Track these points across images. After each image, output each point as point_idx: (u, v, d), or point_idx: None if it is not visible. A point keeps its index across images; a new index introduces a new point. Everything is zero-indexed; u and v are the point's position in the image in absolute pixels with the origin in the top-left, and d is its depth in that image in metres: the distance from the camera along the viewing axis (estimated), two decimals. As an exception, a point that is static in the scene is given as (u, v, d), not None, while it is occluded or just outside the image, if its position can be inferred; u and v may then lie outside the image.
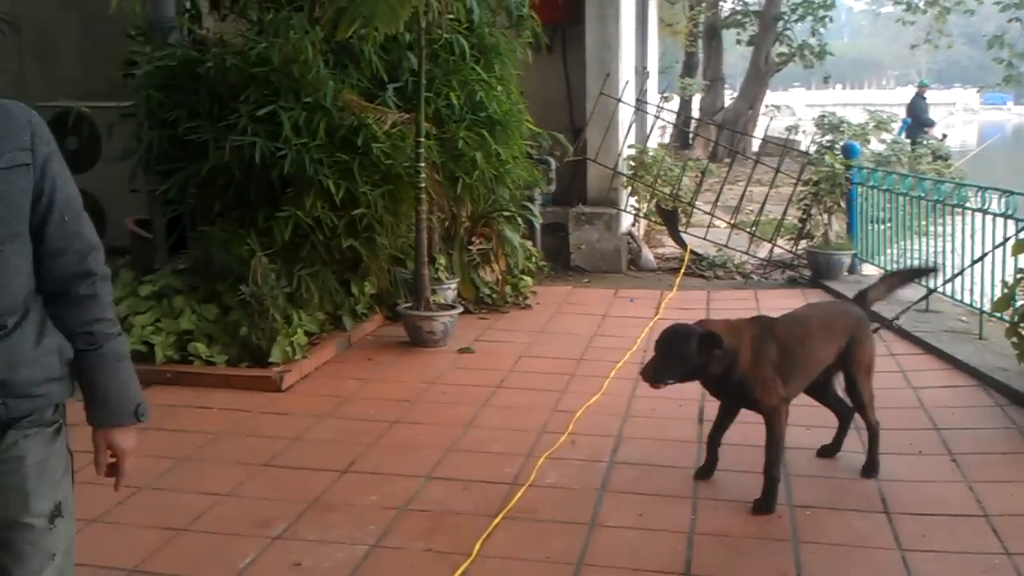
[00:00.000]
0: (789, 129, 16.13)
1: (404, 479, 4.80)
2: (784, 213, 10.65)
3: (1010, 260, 6.55)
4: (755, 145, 18.12)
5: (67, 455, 2.34)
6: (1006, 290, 6.26)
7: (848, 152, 9.86)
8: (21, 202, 2.15)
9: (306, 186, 6.66)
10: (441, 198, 7.62)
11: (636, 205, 10.90)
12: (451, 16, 7.41)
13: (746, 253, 10.45)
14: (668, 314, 7.97)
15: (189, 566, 3.96)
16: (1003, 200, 7.07)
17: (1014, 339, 6.05)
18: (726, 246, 10.47)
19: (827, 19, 25.12)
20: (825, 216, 9.85)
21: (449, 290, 7.98)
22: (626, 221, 10.75)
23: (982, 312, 7.12)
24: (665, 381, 4.37)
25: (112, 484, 2.48)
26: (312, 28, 6.80)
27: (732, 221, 10.80)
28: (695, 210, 10.98)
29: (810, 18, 24.63)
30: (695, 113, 25.59)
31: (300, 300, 6.81)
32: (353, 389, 6.30)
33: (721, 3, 26.92)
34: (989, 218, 7.25)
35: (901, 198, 8.72)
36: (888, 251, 9.13)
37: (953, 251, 7.94)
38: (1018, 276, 6.14)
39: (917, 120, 20.51)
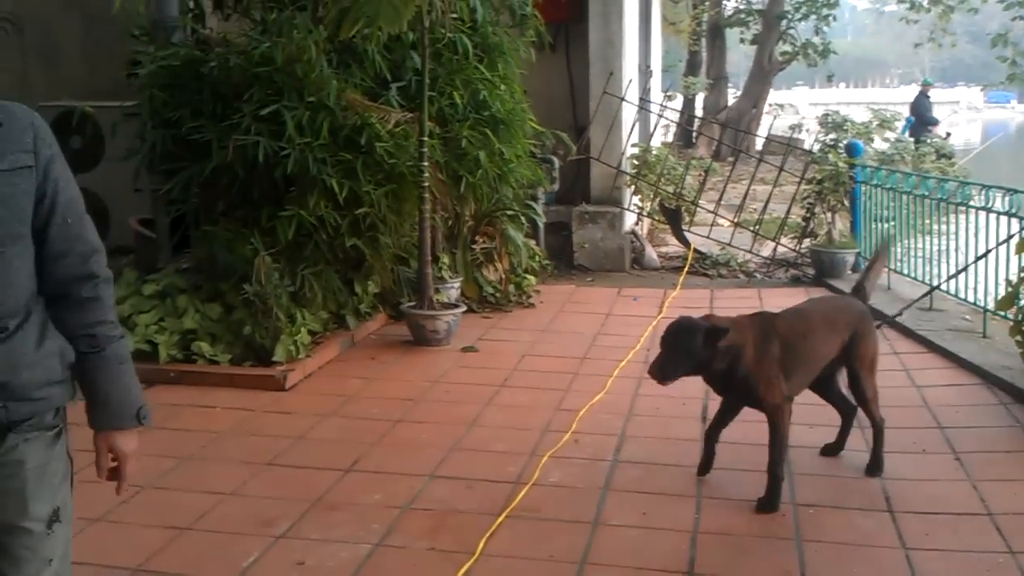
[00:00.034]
0: (793, 128, 16.03)
1: (407, 478, 4.80)
2: (788, 212, 10.64)
3: (1014, 258, 6.54)
4: (759, 144, 18.09)
5: (67, 460, 2.33)
6: (1010, 288, 6.25)
7: (852, 151, 9.85)
8: (23, 204, 2.14)
9: (309, 185, 6.66)
10: (444, 197, 7.62)
11: (639, 204, 10.90)
12: (454, 15, 7.41)
13: (750, 252, 10.44)
14: (671, 313, 7.95)
15: (192, 565, 3.96)
16: (1007, 198, 7.06)
17: (1018, 337, 6.04)
18: (729, 245, 10.46)
19: (831, 17, 25.06)
20: (829, 215, 9.85)
21: (452, 289, 7.98)
22: (629, 220, 10.75)
23: (986, 310, 7.10)
24: (673, 377, 4.36)
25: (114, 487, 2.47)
26: (315, 27, 6.80)
27: (736, 220, 10.79)
28: (698, 209, 10.98)
29: (814, 16, 24.58)
30: (699, 112, 25.55)
31: (304, 299, 6.82)
32: (356, 388, 6.31)
33: (724, 2, 26.90)
34: (993, 216, 7.24)
35: (905, 197, 8.71)
36: (892, 250, 9.11)
37: (957, 249, 7.93)
38: (1022, 274, 6.13)
39: (921, 119, 20.47)
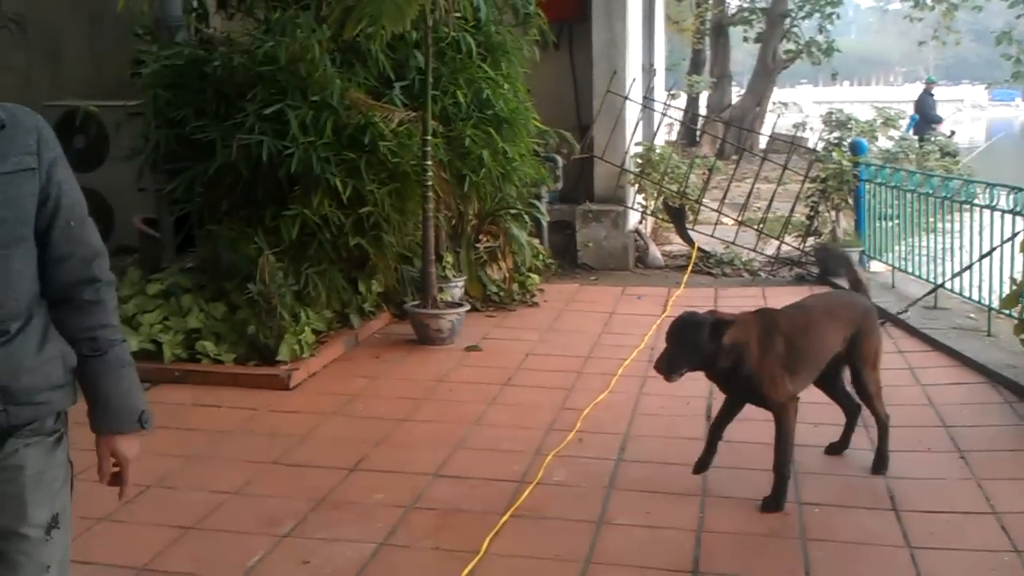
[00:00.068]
0: (796, 126, 16.04)
1: (412, 477, 4.80)
2: (792, 210, 10.62)
3: (1019, 257, 6.54)
4: (762, 142, 18.07)
5: (67, 465, 2.31)
6: (1014, 287, 6.25)
7: (856, 149, 9.83)
8: (27, 206, 2.13)
9: (313, 184, 6.66)
10: (448, 196, 7.62)
11: (643, 203, 10.88)
12: (458, 14, 7.40)
13: (754, 250, 10.42)
14: (675, 312, 7.91)
15: (197, 565, 3.96)
16: (1011, 197, 7.04)
17: (1022, 336, 6.04)
18: (733, 243, 10.45)
19: (834, 16, 25.03)
20: (833, 213, 9.84)
21: (456, 288, 7.97)
22: (633, 219, 10.73)
23: (990, 309, 7.10)
24: (679, 372, 4.35)
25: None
26: (319, 27, 6.80)
27: (739, 218, 10.77)
28: (702, 207, 10.96)
29: (817, 15, 24.55)
30: (702, 110, 25.51)
31: (308, 298, 6.82)
32: (361, 387, 6.31)
33: (728, 0, 26.87)
34: (997, 215, 7.23)
35: (909, 195, 8.69)
36: (896, 248, 9.10)
37: (961, 248, 7.92)
38: (1027, 273, 6.12)
39: (925, 117, 20.44)
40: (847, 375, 4.89)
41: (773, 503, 4.38)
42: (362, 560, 3.98)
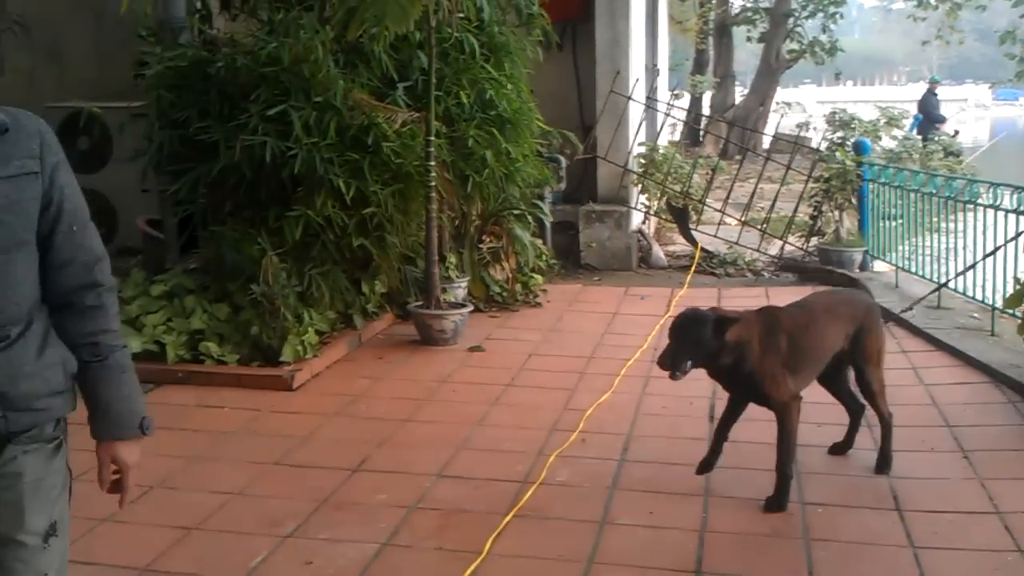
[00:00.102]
0: (800, 126, 16.04)
1: (415, 477, 4.81)
2: (795, 210, 10.63)
3: (1022, 256, 6.53)
4: (766, 142, 18.06)
5: (66, 472, 2.29)
6: (1018, 286, 6.24)
7: (859, 149, 9.83)
8: (29, 210, 2.12)
9: (317, 185, 6.67)
10: (451, 197, 7.62)
11: (646, 203, 10.88)
12: (461, 15, 7.40)
13: (757, 250, 10.43)
14: (679, 312, 7.95)
15: (200, 565, 3.97)
16: (1015, 196, 7.04)
17: (1026, 335, 6.03)
18: (737, 243, 10.45)
19: (838, 15, 25.03)
20: (836, 213, 9.84)
21: (459, 288, 7.98)
22: (636, 219, 10.73)
23: (994, 308, 7.09)
24: (682, 368, 4.34)
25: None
26: (322, 28, 6.81)
27: (743, 218, 10.77)
28: (706, 207, 10.96)
29: (821, 14, 24.55)
30: (705, 110, 25.52)
31: (311, 299, 6.82)
32: (364, 388, 6.31)
33: (731, 0, 26.86)
34: (1001, 214, 7.22)
35: (912, 195, 8.69)
36: (899, 248, 9.10)
37: (965, 247, 7.92)
38: (1030, 272, 6.12)
39: (928, 116, 20.43)
40: (852, 374, 4.89)
41: (776, 503, 4.37)
42: (365, 560, 3.98)
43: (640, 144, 10.76)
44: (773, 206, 10.98)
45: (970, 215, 7.91)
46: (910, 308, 7.38)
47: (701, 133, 21.93)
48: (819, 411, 5.16)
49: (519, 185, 8.35)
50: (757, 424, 4.74)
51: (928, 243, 8.56)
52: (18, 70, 9.28)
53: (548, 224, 9.69)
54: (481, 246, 8.39)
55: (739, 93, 27.17)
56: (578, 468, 4.92)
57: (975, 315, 7.46)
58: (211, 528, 4.30)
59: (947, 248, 8.38)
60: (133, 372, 2.37)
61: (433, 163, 7.00)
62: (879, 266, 9.49)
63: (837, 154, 9.92)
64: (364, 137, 6.79)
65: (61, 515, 2.26)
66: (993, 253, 7.18)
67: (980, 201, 7.64)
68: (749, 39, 26.99)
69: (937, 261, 8.33)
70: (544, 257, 9.21)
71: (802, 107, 27.93)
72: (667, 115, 12.22)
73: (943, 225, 8.47)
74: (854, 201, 9.76)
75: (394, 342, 7.39)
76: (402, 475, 4.85)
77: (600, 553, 4.03)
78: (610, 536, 4.19)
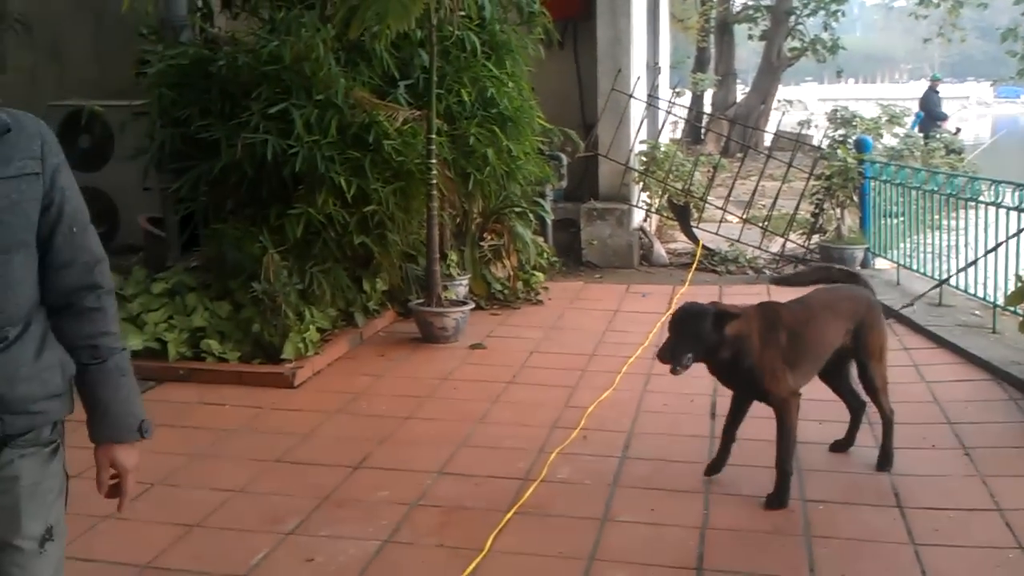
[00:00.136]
0: (801, 124, 16.02)
1: (416, 475, 4.81)
2: (796, 208, 10.62)
3: (1024, 253, 6.53)
4: (767, 140, 18.05)
5: (63, 476, 2.28)
6: (1020, 284, 6.24)
7: (861, 146, 9.83)
8: (30, 211, 2.12)
9: (318, 183, 6.67)
10: (452, 194, 7.62)
11: (648, 200, 10.88)
12: (462, 13, 7.40)
13: (758, 248, 10.42)
14: (678, 306, 7.95)
15: (201, 562, 3.97)
16: (1016, 193, 7.04)
17: (1028, 333, 6.03)
18: (738, 241, 10.44)
19: (839, 13, 25.01)
20: (838, 210, 9.84)
21: (461, 286, 7.98)
22: (638, 216, 10.73)
23: (995, 306, 7.09)
24: (682, 363, 4.34)
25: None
26: (323, 26, 6.81)
27: (744, 216, 10.76)
28: (707, 205, 10.96)
29: (822, 12, 24.53)
30: (707, 108, 25.52)
31: (312, 297, 6.83)
32: (365, 385, 6.31)
33: (732, -2, 26.87)
34: (1003, 211, 7.22)
35: (914, 192, 8.69)
36: (901, 245, 9.10)
37: (967, 245, 7.91)
38: (1032, 270, 6.12)
39: (930, 114, 20.42)
40: (854, 371, 4.89)
41: (776, 500, 4.38)
42: (366, 557, 3.98)
43: (641, 142, 10.75)
44: (774, 204, 10.97)
45: (971, 213, 7.91)
46: (911, 304, 7.38)
47: (703, 131, 21.92)
48: (820, 408, 5.16)
49: (520, 183, 8.34)
50: (758, 421, 4.73)
51: (929, 241, 8.56)
52: (19, 68, 9.30)
53: (549, 222, 9.68)
54: (482, 244, 8.39)
55: (740, 91, 27.17)
56: (579, 465, 4.92)
57: (976, 312, 7.46)
58: (212, 525, 4.31)
59: (948, 246, 8.38)
60: (132, 375, 2.35)
61: (434, 161, 7.00)
62: (880, 263, 9.49)
63: (839, 152, 9.92)
64: (365, 135, 6.79)
65: (57, 519, 2.25)
66: (994, 250, 7.17)
67: (981, 199, 7.64)
68: (751, 37, 26.99)
69: (938, 258, 8.32)
70: (545, 255, 9.21)
71: (804, 105, 27.87)
72: (668, 113, 12.22)
73: (944, 223, 8.47)
74: (855, 199, 9.76)
75: (395, 340, 7.39)
76: (403, 472, 4.85)
77: (601, 550, 4.03)
78: (611, 533, 4.19)
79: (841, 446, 5.00)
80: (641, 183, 10.66)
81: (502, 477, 4.78)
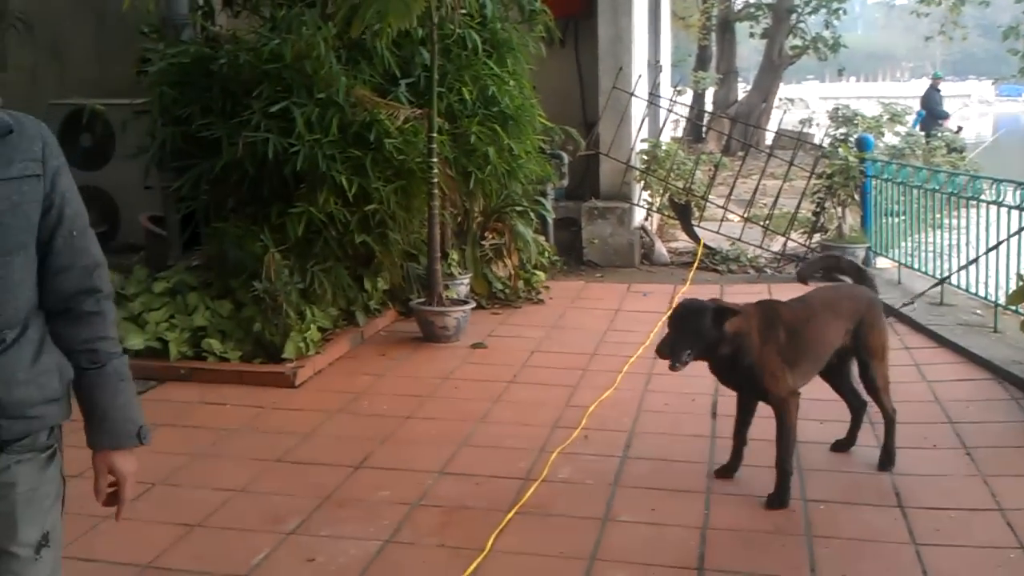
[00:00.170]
0: (803, 122, 16.03)
1: (417, 474, 4.81)
2: (798, 206, 10.61)
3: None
4: (768, 138, 18.04)
5: (59, 481, 2.25)
6: (1021, 283, 6.23)
7: (862, 145, 9.82)
8: (30, 213, 2.11)
9: (319, 182, 6.67)
10: (453, 193, 7.62)
11: (649, 199, 10.88)
12: (463, 11, 7.40)
13: (759, 247, 10.42)
14: (678, 302, 7.94)
15: (202, 562, 3.97)
16: (1018, 192, 7.03)
17: (1029, 332, 6.03)
18: (739, 240, 10.44)
19: (841, 11, 25.00)
20: (839, 209, 9.83)
21: (462, 285, 7.98)
22: (639, 215, 10.73)
23: (997, 305, 7.08)
24: (682, 359, 4.33)
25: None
26: (324, 24, 6.81)
27: (745, 215, 10.76)
28: (708, 204, 10.95)
29: (824, 10, 24.52)
30: (708, 106, 25.52)
31: (313, 296, 6.83)
32: (366, 385, 6.31)
33: (734, -4, 26.86)
34: (1004, 210, 7.21)
35: (915, 191, 8.68)
36: (902, 244, 9.09)
37: (968, 244, 7.91)
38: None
39: (931, 112, 20.41)
40: (855, 370, 4.88)
41: (777, 500, 4.37)
42: (367, 557, 3.98)
43: (643, 140, 10.75)
44: (776, 202, 10.96)
45: (973, 211, 7.90)
46: (911, 302, 7.37)
47: (704, 129, 21.92)
48: (821, 408, 5.16)
49: (521, 181, 8.33)
50: (759, 421, 4.72)
51: (931, 239, 8.56)
52: (20, 67, 9.30)
53: (550, 220, 9.68)
54: (483, 243, 8.39)
55: (742, 89, 27.16)
56: (580, 465, 4.92)
57: (978, 312, 7.46)
58: (213, 525, 4.31)
59: (950, 244, 8.37)
60: (131, 381, 2.33)
61: (435, 160, 7.00)
62: (882, 262, 9.48)
63: (840, 150, 9.91)
64: (366, 134, 6.78)
65: (54, 525, 2.22)
66: (995, 248, 7.17)
67: (983, 197, 7.63)
68: (752, 35, 26.98)
69: (940, 257, 8.32)
70: (546, 254, 9.21)
71: (805, 103, 27.87)
72: (670, 111, 12.21)
73: (946, 221, 8.46)
74: (857, 197, 9.75)
75: (396, 339, 7.39)
76: (404, 472, 4.85)
77: (602, 550, 4.03)
78: (612, 533, 4.19)
79: (842, 446, 5.00)
80: (642, 182, 10.66)
81: (503, 477, 4.78)
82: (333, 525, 4.28)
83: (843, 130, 10.76)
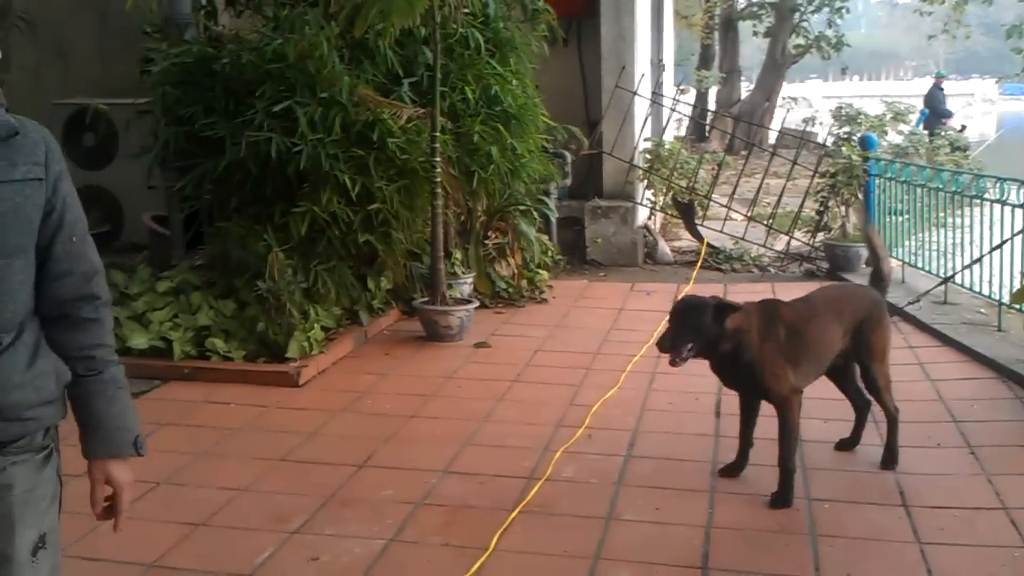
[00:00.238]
0: (806, 121, 16.00)
1: (421, 473, 4.81)
2: (801, 205, 10.60)
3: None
4: (772, 137, 18.05)
5: (56, 482, 2.23)
6: (1025, 282, 6.23)
7: (865, 144, 9.81)
8: (32, 217, 2.11)
9: (322, 181, 6.67)
10: (457, 192, 7.62)
11: (652, 198, 10.87)
12: (466, 10, 7.40)
13: (763, 246, 10.41)
14: (679, 298, 7.94)
15: (207, 561, 3.97)
16: (1022, 191, 7.02)
17: (1033, 331, 6.02)
18: (743, 239, 10.44)
19: (844, 10, 25.01)
20: (842, 208, 9.81)
21: (465, 284, 7.98)
22: (642, 214, 10.73)
23: (1001, 304, 7.07)
24: (682, 354, 4.33)
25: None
26: (327, 23, 6.81)
27: (749, 214, 10.76)
28: (711, 203, 10.94)
29: (827, 9, 24.53)
30: (711, 105, 25.50)
31: (317, 295, 6.83)
32: (370, 384, 6.32)
33: (737, -6, 26.85)
34: (1008, 209, 7.20)
35: (919, 190, 8.67)
36: (906, 243, 9.08)
37: (972, 243, 7.90)
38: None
39: (935, 111, 20.39)
40: (859, 370, 4.87)
41: (781, 499, 4.37)
42: (371, 556, 3.98)
43: (646, 139, 10.74)
44: (779, 201, 10.95)
45: (976, 210, 7.89)
46: (916, 301, 7.36)
47: (707, 128, 21.90)
48: (825, 407, 5.15)
49: (525, 181, 8.33)
50: (761, 420, 4.72)
51: (934, 238, 8.55)
52: (24, 67, 9.29)
53: (554, 220, 9.69)
54: (487, 242, 8.39)
55: (745, 88, 27.18)
56: (584, 464, 4.92)
57: (982, 310, 7.45)
58: (217, 524, 4.31)
59: (954, 243, 8.36)
60: (127, 389, 2.32)
61: (438, 159, 7.00)
62: (871, 261, 9.45)
63: (843, 149, 9.90)
64: (369, 133, 6.78)
65: (50, 527, 2.20)
66: (999, 247, 7.16)
67: (986, 196, 7.62)
68: (755, 34, 26.98)
69: (943, 256, 8.31)
70: (550, 253, 9.22)
71: (808, 102, 27.91)
72: (673, 110, 12.21)
73: (949, 220, 8.45)
74: (860, 196, 9.74)
75: (400, 338, 7.39)
76: (408, 471, 4.85)
77: (606, 549, 4.03)
78: (616, 532, 4.19)
79: (847, 445, 5.00)
80: (645, 181, 10.65)
81: (507, 476, 4.78)
82: (337, 524, 4.28)
83: (846, 129, 10.74)
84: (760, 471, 4.64)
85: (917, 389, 5.90)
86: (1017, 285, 6.46)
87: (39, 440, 2.17)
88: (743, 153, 14.85)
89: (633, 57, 10.45)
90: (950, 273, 7.92)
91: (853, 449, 4.98)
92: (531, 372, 6.57)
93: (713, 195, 10.95)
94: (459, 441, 5.25)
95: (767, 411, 4.56)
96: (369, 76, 7.13)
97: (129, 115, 7.77)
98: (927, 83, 24.82)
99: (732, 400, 4.84)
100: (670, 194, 10.72)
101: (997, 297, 7.18)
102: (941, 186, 8.29)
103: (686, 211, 10.70)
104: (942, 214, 8.50)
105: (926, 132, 14.10)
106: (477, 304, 7.68)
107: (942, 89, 21.42)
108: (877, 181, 9.52)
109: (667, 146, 10.92)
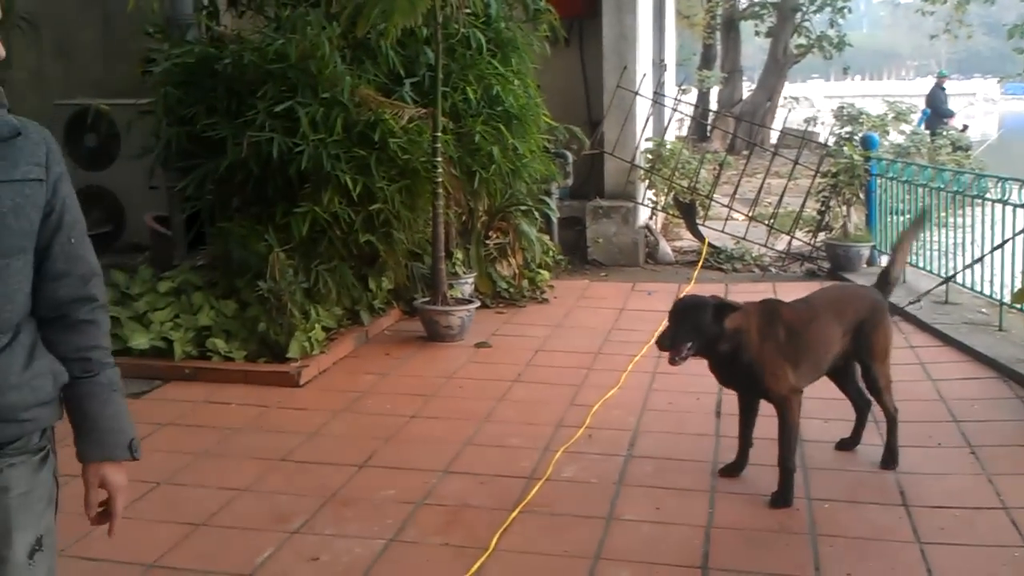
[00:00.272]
0: (808, 121, 16.01)
1: (421, 473, 4.81)
2: (802, 205, 10.60)
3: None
4: (773, 137, 18.04)
5: (52, 483, 2.21)
6: (1026, 281, 6.22)
7: (867, 143, 9.81)
8: (32, 217, 2.11)
9: (323, 182, 6.67)
10: (458, 192, 7.62)
11: (653, 198, 10.87)
12: (468, 10, 7.39)
13: (764, 246, 10.41)
14: (679, 297, 7.94)
15: (207, 561, 3.98)
16: (1023, 191, 7.01)
17: (1034, 331, 6.02)
18: (744, 239, 10.43)
19: (845, 10, 25.00)
20: (844, 208, 9.81)
21: (466, 284, 7.98)
22: (643, 214, 10.73)
23: (1002, 303, 7.07)
24: (681, 352, 4.33)
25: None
26: (329, 24, 6.81)
27: (750, 214, 10.75)
28: (713, 203, 10.93)
29: (828, 9, 24.52)
30: (713, 105, 25.48)
31: (318, 295, 6.83)
32: (370, 384, 6.32)
33: (738, -6, 26.84)
34: (1009, 209, 7.20)
35: (920, 189, 8.67)
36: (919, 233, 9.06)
37: (973, 242, 7.90)
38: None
39: (936, 111, 20.37)
40: (860, 370, 4.87)
41: (781, 498, 4.37)
42: (371, 556, 3.99)
43: (647, 139, 10.74)
44: (780, 201, 10.95)
45: (978, 210, 7.89)
46: (917, 301, 7.36)
47: (708, 128, 21.88)
48: (825, 407, 5.15)
49: (526, 181, 8.33)
50: (761, 420, 4.72)
51: (936, 238, 8.54)
52: (26, 67, 9.30)
53: (555, 220, 9.69)
54: (488, 242, 8.40)
55: (747, 88, 27.17)
56: (584, 464, 4.92)
57: (983, 310, 7.45)
58: (217, 524, 4.32)
59: (955, 243, 8.36)
60: (123, 392, 2.31)
61: (440, 159, 7.00)
62: (886, 261, 9.45)
63: (845, 149, 9.90)
64: (371, 133, 6.79)
65: (47, 529, 2.19)
66: (1001, 247, 7.16)
67: (988, 196, 7.62)
68: (757, 34, 26.98)
69: (945, 256, 8.31)
70: (551, 253, 9.22)
71: (810, 102, 27.85)
72: (674, 110, 12.21)
73: (951, 220, 8.45)
74: (862, 196, 9.74)
75: (401, 338, 7.39)
76: (408, 471, 4.85)
77: (606, 549, 4.03)
78: (616, 532, 4.19)
79: (847, 444, 5.00)
80: (647, 181, 10.65)
81: (507, 476, 4.78)
82: (337, 524, 4.28)
83: (848, 129, 10.75)
84: (760, 471, 4.64)
85: (918, 389, 5.90)
86: (1018, 285, 6.46)
87: (36, 441, 2.16)
88: (745, 153, 14.84)
89: (635, 57, 10.45)
90: (951, 273, 7.92)
91: (853, 449, 4.98)
92: (532, 372, 6.57)
93: (714, 195, 10.95)
94: (459, 441, 5.25)
95: (767, 411, 4.56)
96: (371, 76, 7.14)
97: (131, 115, 7.78)
98: (929, 83, 24.78)
99: (732, 400, 4.84)
100: (671, 194, 10.73)
101: (998, 297, 7.18)
102: (942, 186, 8.29)
103: (687, 211, 10.70)
104: (943, 214, 8.49)
105: (928, 132, 14.12)
106: (478, 304, 7.68)
107: (944, 89, 21.40)
108: (879, 181, 9.52)
109: (669, 146, 10.92)
